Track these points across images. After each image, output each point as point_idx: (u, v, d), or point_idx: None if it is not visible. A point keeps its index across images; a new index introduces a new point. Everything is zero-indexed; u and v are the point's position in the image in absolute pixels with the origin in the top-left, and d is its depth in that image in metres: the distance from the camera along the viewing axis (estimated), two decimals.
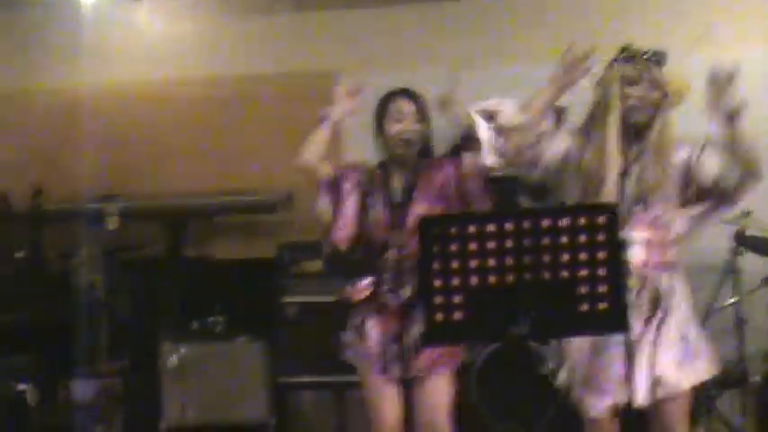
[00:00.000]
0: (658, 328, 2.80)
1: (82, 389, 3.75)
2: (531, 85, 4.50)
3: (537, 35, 4.57)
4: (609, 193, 2.77)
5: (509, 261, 2.36)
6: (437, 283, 2.38)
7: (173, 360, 3.94)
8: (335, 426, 4.14)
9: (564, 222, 2.37)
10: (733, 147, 2.74)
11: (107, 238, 4.30)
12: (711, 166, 2.77)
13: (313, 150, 3.09)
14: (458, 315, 2.37)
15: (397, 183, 3.10)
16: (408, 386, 3.09)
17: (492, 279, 2.36)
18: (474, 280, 2.36)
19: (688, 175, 2.82)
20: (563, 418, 3.83)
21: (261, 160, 4.81)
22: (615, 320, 2.44)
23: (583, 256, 2.37)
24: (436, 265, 2.37)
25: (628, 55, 2.82)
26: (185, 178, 4.81)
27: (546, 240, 2.37)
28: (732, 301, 4.08)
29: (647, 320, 2.79)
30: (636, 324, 2.75)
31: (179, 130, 4.89)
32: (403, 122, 3.07)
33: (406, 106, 3.09)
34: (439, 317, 2.38)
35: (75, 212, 4.37)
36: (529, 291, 2.36)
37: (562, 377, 2.87)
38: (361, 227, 3.12)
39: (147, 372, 4.03)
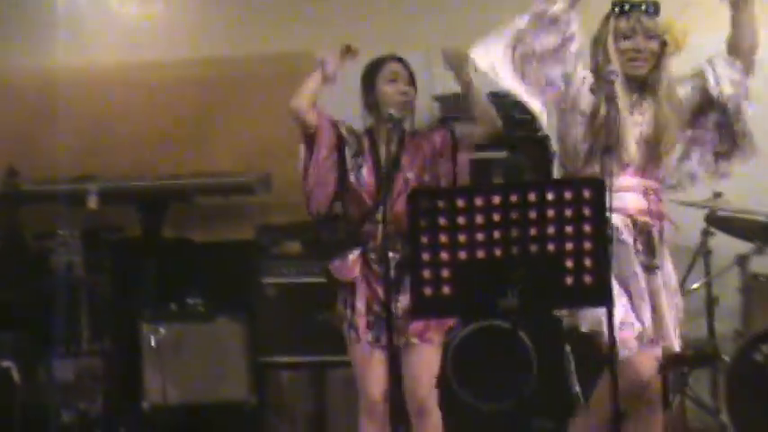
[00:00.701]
0: (664, 276, 2.87)
1: (62, 368, 3.75)
2: None
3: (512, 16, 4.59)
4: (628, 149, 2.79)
5: (497, 235, 2.41)
6: (425, 257, 2.41)
7: (153, 340, 3.95)
8: (315, 404, 4.17)
9: (550, 196, 2.42)
10: (739, 31, 2.82)
11: (86, 219, 4.27)
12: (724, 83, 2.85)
13: (303, 97, 3.09)
14: (446, 289, 2.41)
15: (385, 149, 3.11)
16: (397, 353, 3.10)
17: (480, 253, 2.41)
18: (462, 254, 2.40)
19: (695, 107, 2.88)
20: (545, 393, 3.91)
21: (237, 142, 4.80)
22: (599, 294, 2.50)
23: (569, 229, 2.43)
24: (425, 239, 2.41)
25: (621, 8, 2.85)
26: (161, 160, 4.78)
27: (533, 214, 2.41)
28: (704, 281, 4.16)
29: (648, 268, 2.84)
30: (638, 271, 2.82)
31: (154, 113, 4.86)
32: (397, 82, 3.12)
33: (399, 68, 3.14)
34: (427, 291, 2.42)
35: (53, 193, 4.34)
36: (516, 264, 2.41)
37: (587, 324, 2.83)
38: (348, 191, 3.14)
39: (128, 352, 4.03)
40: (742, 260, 4.06)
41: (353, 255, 3.14)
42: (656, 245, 2.87)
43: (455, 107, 3.47)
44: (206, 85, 4.85)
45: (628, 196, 2.83)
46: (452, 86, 4.34)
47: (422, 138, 3.17)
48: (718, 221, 4.08)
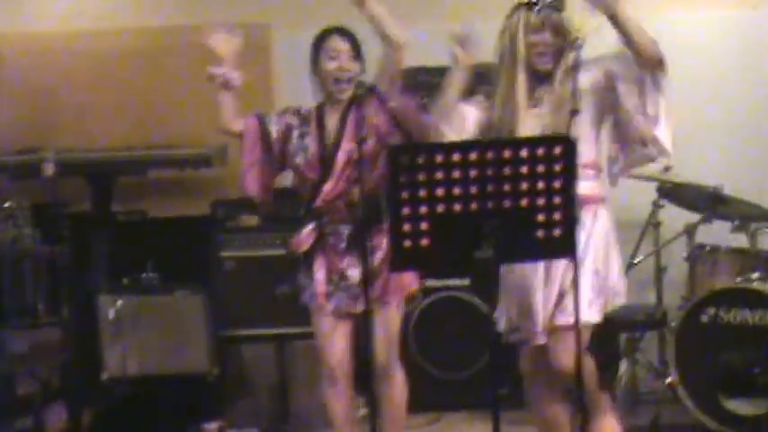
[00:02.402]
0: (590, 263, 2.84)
1: (19, 340, 3.68)
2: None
3: None
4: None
5: (473, 190, 2.47)
6: (405, 211, 2.47)
7: (111, 312, 3.91)
8: (276, 377, 4.17)
9: (524, 152, 2.48)
10: (627, 40, 2.71)
11: (32, 192, 4.18)
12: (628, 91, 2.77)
13: (221, 115, 3.21)
14: (424, 241, 2.47)
15: (331, 122, 3.17)
16: (357, 319, 3.19)
17: (457, 207, 2.47)
18: (440, 208, 2.46)
19: (600, 99, 2.84)
20: (499, 365, 3.97)
21: (186, 113, 4.73)
22: (567, 246, 2.58)
23: (540, 185, 2.50)
24: (404, 194, 2.46)
25: (529, 2, 2.86)
26: (110, 132, 4.71)
27: (507, 170, 2.48)
28: (652, 251, 4.30)
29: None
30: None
31: (102, 83, 4.77)
32: (337, 60, 3.12)
33: (340, 44, 3.13)
34: (407, 243, 2.48)
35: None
36: (491, 218, 2.47)
37: (501, 322, 2.96)
38: (295, 168, 3.21)
39: (86, 324, 3.97)
40: (690, 230, 4.19)
41: (307, 229, 3.21)
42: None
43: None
44: (156, 55, 4.77)
45: None
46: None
47: (365, 105, 3.14)
48: (670, 192, 4.21)
